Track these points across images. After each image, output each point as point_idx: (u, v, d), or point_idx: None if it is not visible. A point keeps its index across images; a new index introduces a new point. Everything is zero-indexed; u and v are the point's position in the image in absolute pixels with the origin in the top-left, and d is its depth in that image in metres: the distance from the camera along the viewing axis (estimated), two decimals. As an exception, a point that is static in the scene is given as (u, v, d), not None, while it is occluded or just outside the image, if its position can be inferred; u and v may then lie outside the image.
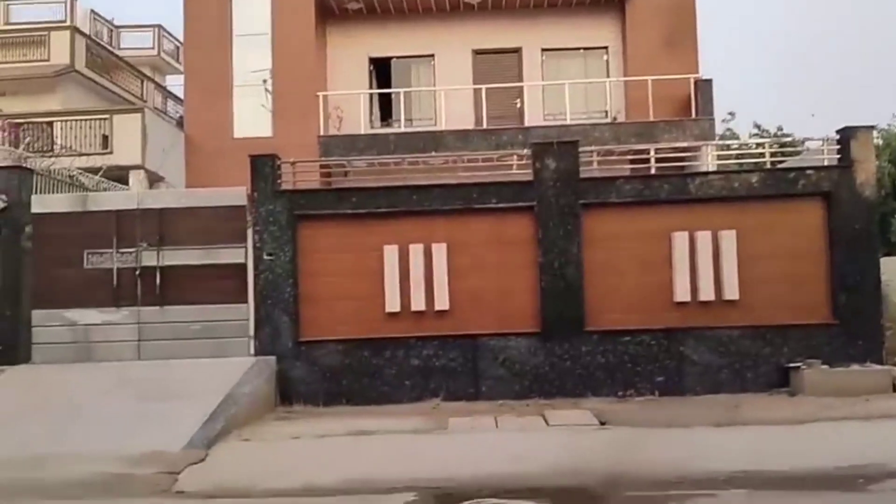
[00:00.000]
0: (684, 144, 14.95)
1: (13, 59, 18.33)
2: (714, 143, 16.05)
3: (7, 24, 20.02)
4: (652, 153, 13.27)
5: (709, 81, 16.56)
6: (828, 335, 10.45)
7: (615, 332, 10.54)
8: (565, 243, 10.64)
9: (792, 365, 10.20)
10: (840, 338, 10.43)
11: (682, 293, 10.58)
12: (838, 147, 10.97)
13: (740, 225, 10.61)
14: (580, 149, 11.16)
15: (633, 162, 14.55)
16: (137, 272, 10.80)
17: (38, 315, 10.84)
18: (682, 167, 13.62)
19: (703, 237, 10.58)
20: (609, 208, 10.73)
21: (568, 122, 16.76)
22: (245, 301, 10.76)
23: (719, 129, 23.03)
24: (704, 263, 10.57)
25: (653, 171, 13.13)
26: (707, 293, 10.54)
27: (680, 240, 10.62)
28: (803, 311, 10.55)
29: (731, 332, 10.48)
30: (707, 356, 10.45)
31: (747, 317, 10.52)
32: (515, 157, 12.43)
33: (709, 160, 14.65)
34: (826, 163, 11.11)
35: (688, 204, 10.74)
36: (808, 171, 10.83)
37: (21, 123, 14.95)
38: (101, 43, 22.04)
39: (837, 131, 11.04)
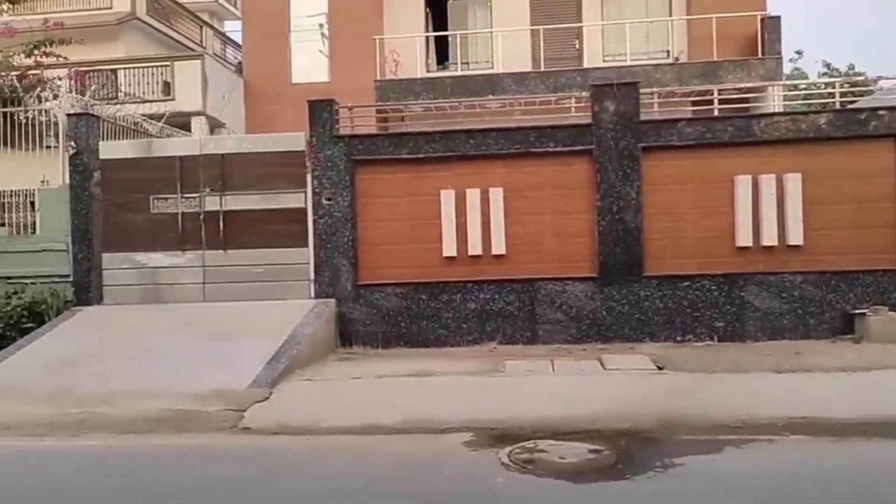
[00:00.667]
0: (749, 85, 14.43)
1: (77, 7, 18.68)
2: (781, 83, 15.44)
3: (69, -28, 20.33)
4: (715, 94, 12.85)
5: (776, 18, 15.86)
6: (895, 282, 10.14)
7: (674, 276, 10.43)
8: (624, 187, 10.49)
9: (857, 311, 9.97)
10: (908, 285, 10.10)
11: (743, 238, 10.36)
12: (916, 82, 10.45)
13: (806, 168, 10.28)
14: (641, 91, 10.89)
15: (695, 104, 14.14)
16: (201, 216, 11.11)
17: (108, 258, 11.29)
18: (747, 109, 13.17)
19: (767, 181, 10.29)
20: (670, 151, 10.50)
21: (628, 63, 16.35)
22: (305, 245, 10.99)
23: (787, 68, 22.10)
24: (768, 207, 10.30)
25: (716, 113, 12.74)
26: (770, 238, 10.30)
27: (743, 183, 10.35)
28: (870, 256, 10.24)
29: (793, 278, 10.26)
30: (768, 302, 10.27)
31: (812, 262, 10.27)
32: (574, 99, 12.21)
33: (775, 101, 14.13)
34: (901, 103, 10.61)
35: (751, 146, 10.42)
36: (881, 112, 10.37)
37: (87, 71, 15.30)
38: (160, -11, 22.23)
39: (915, 69, 10.50)
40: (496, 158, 10.82)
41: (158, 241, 11.19)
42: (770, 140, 10.38)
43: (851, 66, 28.06)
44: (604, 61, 16.95)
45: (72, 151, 11.18)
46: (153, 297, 11.14)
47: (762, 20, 15.90)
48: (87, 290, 11.15)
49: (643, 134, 10.53)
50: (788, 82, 17.73)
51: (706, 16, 16.08)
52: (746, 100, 13.96)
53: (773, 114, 11.24)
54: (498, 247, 10.71)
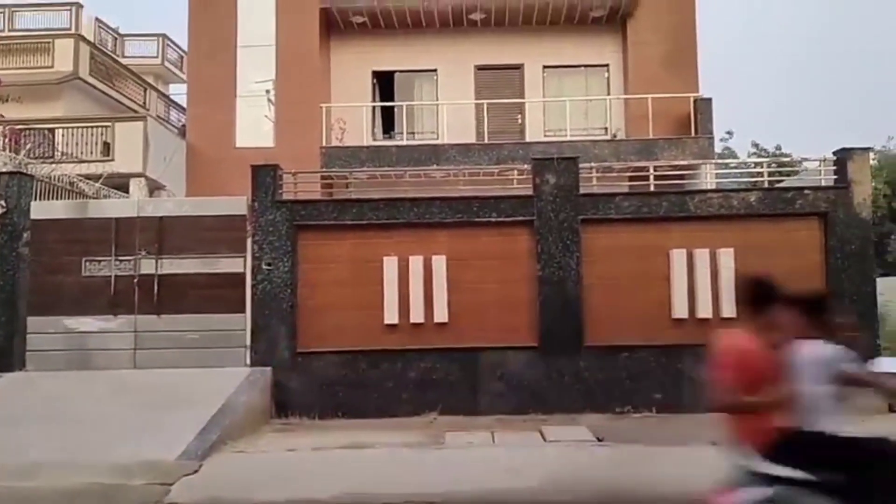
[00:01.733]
0: (683, 162, 15.02)
1: (18, 65, 18.38)
2: (713, 161, 16.12)
3: (12, 30, 20.11)
4: (651, 170, 13.31)
5: (708, 100, 16.68)
6: (825, 355, 10.44)
7: (614, 347, 10.54)
8: (564, 258, 10.66)
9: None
10: (837, 358, 10.41)
11: (680, 310, 10.59)
12: (835, 168, 11.04)
13: (738, 243, 10.64)
14: (580, 165, 11.21)
15: (632, 179, 14.60)
16: (135, 280, 10.80)
17: (33, 322, 10.81)
18: (682, 185, 13.67)
19: (702, 255, 10.61)
20: (608, 224, 10.77)
21: (568, 138, 16.84)
22: (243, 311, 10.75)
23: (718, 147, 23.12)
24: (702, 280, 10.59)
25: (652, 189, 13.17)
26: (705, 310, 10.55)
27: (678, 257, 10.65)
28: (801, 330, 10.55)
29: (728, 351, 10.46)
30: (705, 374, 10.42)
31: (745, 335, 10.52)
32: (516, 171, 12.47)
33: (708, 178, 14.71)
34: (823, 183, 11.17)
35: (686, 221, 10.78)
36: (806, 191, 10.89)
37: (23, 130, 14.98)
38: (106, 51, 22.12)
39: (834, 153, 11.11)
40: (440, 227, 10.90)
41: (89, 305, 10.79)
42: (704, 215, 10.75)
43: (778, 147, 29.58)
44: (545, 135, 17.45)
45: (1, 211, 10.80)
46: (81, 363, 10.66)
47: (694, 101, 16.68)
48: (8, 355, 10.61)
49: (582, 207, 10.79)
50: (720, 161, 18.52)
51: (642, 96, 16.79)
52: (681, 176, 14.50)
53: (706, 190, 11.67)
54: (440, 315, 10.68)
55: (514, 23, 17.75)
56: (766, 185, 12.34)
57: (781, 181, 13.01)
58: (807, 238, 10.72)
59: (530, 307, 10.68)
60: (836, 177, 10.97)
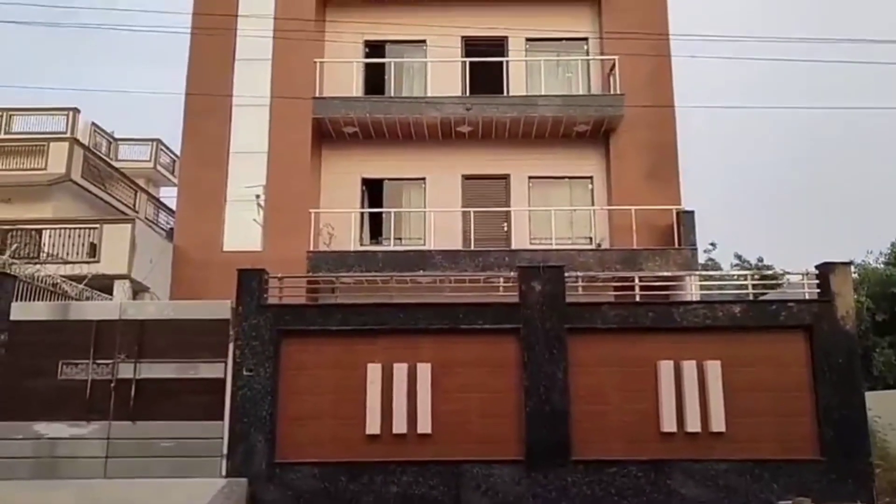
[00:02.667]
0: (668, 274, 15.15)
1: (11, 167, 18.63)
2: (698, 272, 16.28)
3: (9, 132, 20.49)
4: (636, 281, 13.41)
5: (690, 213, 17.01)
6: (816, 472, 10.24)
7: (601, 461, 10.28)
8: (551, 368, 10.54)
9: (781, 503, 9.92)
10: (828, 475, 10.21)
11: (668, 423, 10.42)
12: (818, 282, 11.16)
13: (725, 355, 10.61)
14: (566, 274, 11.28)
15: (617, 289, 14.68)
16: (112, 385, 10.53)
17: (2, 427, 10.44)
18: (667, 296, 13.74)
19: (689, 367, 10.55)
20: (594, 334, 10.74)
21: (553, 246, 17.02)
22: (221, 418, 10.46)
23: (701, 258, 23.44)
24: (690, 393, 10.48)
25: (637, 299, 13.23)
26: (694, 424, 10.39)
27: (665, 368, 10.57)
28: (790, 446, 10.39)
29: (718, 466, 10.24)
30: (695, 490, 10.16)
31: (735, 450, 10.33)
32: (502, 279, 12.53)
33: (692, 289, 14.81)
34: (807, 296, 11.27)
35: (672, 332, 10.77)
36: (790, 304, 10.97)
37: (9, 230, 15.00)
38: (100, 154, 22.49)
39: (816, 266, 11.27)
40: (425, 334, 10.82)
41: (62, 410, 10.47)
42: (690, 327, 10.77)
43: (760, 259, 30.03)
44: (531, 243, 17.63)
45: (-21, 311, 10.65)
46: (48, 471, 10.23)
47: (677, 213, 17.00)
48: (-28, 462, 10.18)
49: (569, 316, 10.78)
50: (704, 273, 18.74)
51: (625, 207, 17.13)
52: (666, 287, 14.59)
53: (692, 302, 11.73)
54: (423, 425, 10.42)
55: (501, 136, 18.28)
56: (750, 297, 12.43)
57: (765, 294, 13.12)
58: (793, 351, 10.72)
59: (516, 418, 10.47)
60: (819, 290, 11.09)
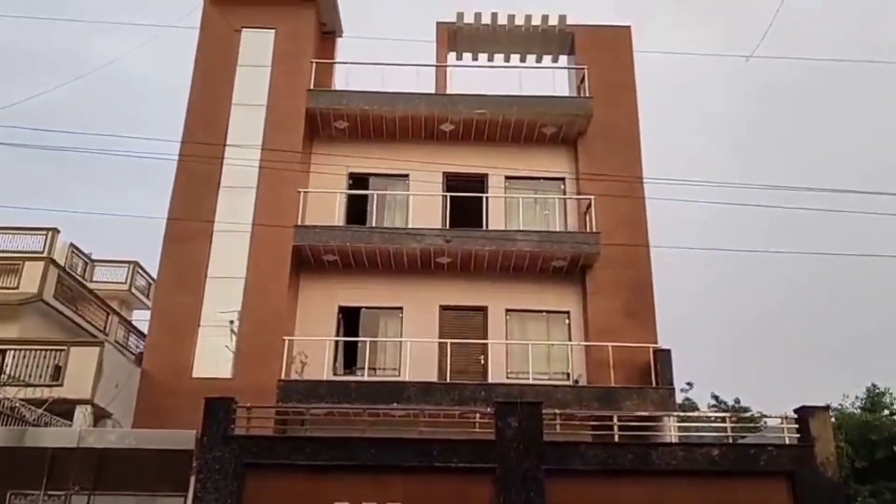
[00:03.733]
0: (646, 413, 14.93)
1: (-19, 284, 18.37)
2: (676, 413, 16.07)
3: (-17, 251, 20.35)
4: (615, 420, 13.18)
5: (667, 351, 17.00)
6: None
7: None
8: (527, 511, 10.11)
9: None
10: None
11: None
12: (797, 426, 11.04)
13: (706, 501, 10.27)
14: (543, 411, 11.06)
15: (595, 427, 14.39)
16: (62, 519, 9.91)
17: (-61, 564, 9.71)
18: (645, 436, 13.47)
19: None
20: (573, 476, 10.42)
21: (531, 381, 16.82)
22: (176, 558, 9.80)
23: (679, 397, 23.22)
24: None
25: (616, 438, 12.95)
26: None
27: (646, 515, 10.18)
28: None
29: None
30: None
31: None
32: (478, 414, 12.25)
33: (671, 430, 14.56)
34: (787, 440, 11.10)
35: (652, 476, 10.47)
36: (770, 448, 10.78)
37: (-28, 350, 14.57)
38: (74, 275, 22.29)
39: (795, 410, 11.19)
40: (397, 471, 10.44)
41: (3, 547, 9.78)
42: (669, 470, 10.48)
43: (737, 400, 29.84)
44: (507, 377, 17.41)
45: (-71, 435, 10.14)
46: None
47: (654, 352, 16.99)
48: None
49: (547, 455, 10.49)
50: (682, 413, 18.51)
51: (602, 343, 17.10)
52: (644, 427, 14.34)
53: (671, 444, 11.53)
54: (390, 573, 9.83)
55: (480, 268, 18.47)
56: (729, 440, 12.23)
57: (744, 437, 12.92)
58: (775, 499, 10.42)
59: (490, 566, 9.92)
60: (798, 434, 10.94)
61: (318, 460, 10.41)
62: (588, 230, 18.34)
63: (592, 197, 18.34)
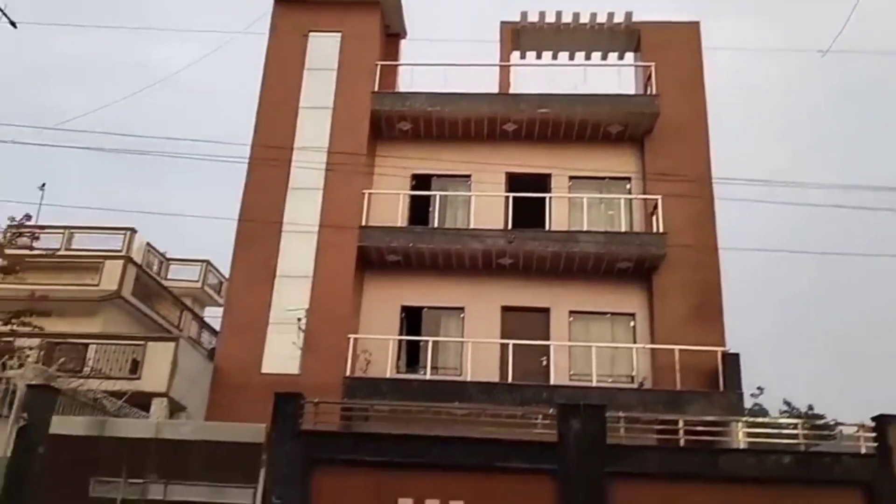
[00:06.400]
0: (714, 418, 14.63)
1: (66, 282, 19.27)
2: (745, 419, 15.68)
3: (69, 249, 21.36)
4: (681, 424, 12.96)
5: (736, 356, 16.60)
6: None
7: None
8: (590, 515, 10.06)
9: None
10: None
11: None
12: (874, 435, 10.65)
13: (776, 510, 10.02)
14: (606, 413, 10.97)
15: (659, 431, 14.17)
16: (140, 506, 10.37)
17: (32, 544, 10.27)
18: (712, 442, 13.20)
19: (738, 520, 9.97)
20: (636, 479, 10.27)
21: (594, 384, 16.69)
22: (248, 548, 10.13)
23: (748, 402, 22.66)
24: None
25: (681, 443, 12.75)
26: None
27: (713, 523, 10.00)
28: None
29: None
30: None
31: None
32: (540, 416, 12.24)
33: (738, 436, 14.22)
34: (863, 450, 10.72)
35: (719, 482, 10.26)
36: (844, 457, 10.44)
37: (58, 343, 15.34)
38: (150, 273, 23.22)
39: (873, 418, 10.78)
40: (459, 470, 10.50)
41: (88, 531, 10.28)
42: (737, 477, 10.26)
43: (811, 407, 28.93)
44: (570, 379, 17.30)
45: (21, 423, 10.75)
46: None
47: (722, 356, 16.62)
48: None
49: (610, 458, 10.40)
50: (752, 419, 18.03)
51: (668, 346, 16.83)
52: (710, 432, 14.04)
53: (740, 450, 11.27)
54: (454, 568, 9.92)
55: (542, 269, 18.42)
56: (801, 447, 11.88)
57: (818, 445, 12.53)
58: (849, 510, 10.08)
59: (552, 567, 9.91)
60: (875, 444, 10.54)
61: (382, 457, 10.57)
62: (654, 231, 18.07)
63: (659, 197, 18.06)
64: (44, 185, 21.55)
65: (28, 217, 13.65)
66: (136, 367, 16.15)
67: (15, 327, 12.51)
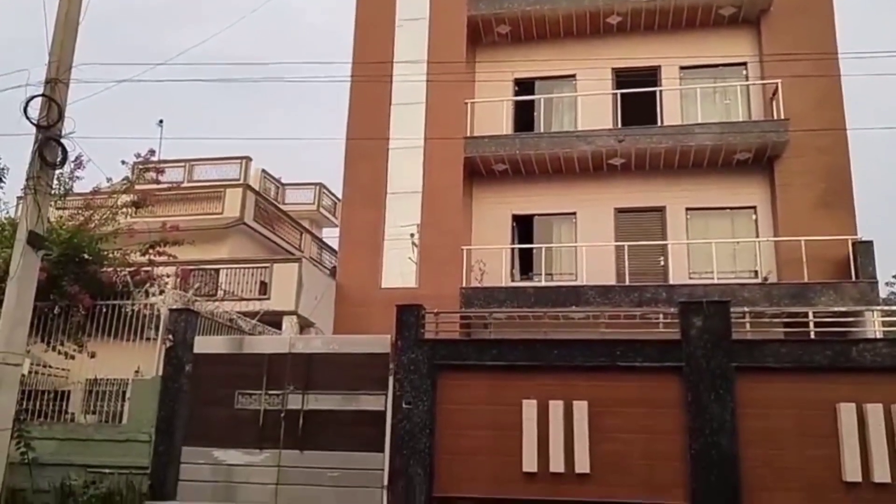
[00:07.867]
0: (845, 309, 14.00)
1: (194, 212, 20.43)
2: (879, 308, 14.91)
3: (191, 181, 22.52)
4: (810, 316, 12.48)
5: (868, 243, 15.69)
6: None
7: (776, 513, 9.55)
8: (717, 409, 9.97)
9: None
10: None
11: (851, 473, 9.51)
12: None
13: (917, 399, 9.59)
14: (731, 309, 10.69)
15: (786, 325, 13.73)
16: (282, 414, 11.12)
17: (187, 452, 11.27)
18: (843, 333, 12.67)
19: (874, 410, 9.61)
20: (765, 373, 10.05)
21: (715, 280, 16.27)
22: (381, 450, 10.73)
23: (883, 292, 21.46)
24: (877, 440, 9.52)
25: (812, 336, 12.31)
26: (882, 474, 9.41)
27: (847, 412, 9.69)
28: None
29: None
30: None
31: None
32: (661, 315, 12.09)
33: (875, 326, 13.58)
34: None
35: (854, 373, 9.88)
36: None
37: (192, 270, 16.41)
38: (268, 198, 24.20)
39: None
40: (580, 371, 10.60)
41: (238, 438, 11.15)
42: (873, 367, 9.84)
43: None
44: (690, 278, 16.94)
45: (168, 344, 11.65)
46: (225, 495, 10.91)
47: (853, 244, 15.76)
48: (162, 484, 11.06)
49: (736, 353, 10.19)
50: (887, 308, 17.10)
51: (794, 238, 16.08)
52: (842, 324, 13.47)
53: (875, 339, 10.77)
54: (581, 465, 10.16)
55: (655, 167, 17.83)
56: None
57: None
58: None
59: (680, 461, 9.96)
60: None
61: (504, 361, 10.81)
62: (775, 117, 17.01)
63: (779, 80, 16.91)
64: (161, 121, 22.62)
65: (152, 152, 14.30)
66: (264, 288, 17.09)
67: (152, 257, 13.36)
